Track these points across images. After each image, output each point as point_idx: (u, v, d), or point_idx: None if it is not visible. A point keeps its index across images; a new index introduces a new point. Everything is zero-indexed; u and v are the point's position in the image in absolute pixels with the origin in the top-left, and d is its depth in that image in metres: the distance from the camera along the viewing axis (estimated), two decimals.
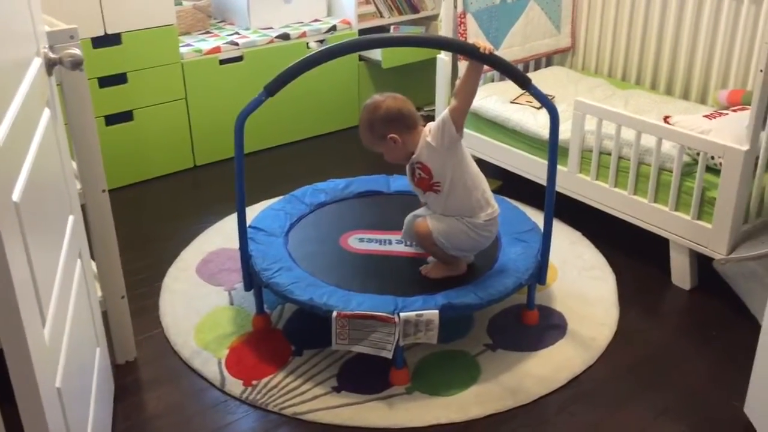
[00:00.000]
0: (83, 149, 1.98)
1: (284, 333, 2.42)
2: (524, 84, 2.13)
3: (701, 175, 2.46)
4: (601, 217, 2.86)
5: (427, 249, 2.32)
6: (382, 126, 2.19)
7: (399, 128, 2.19)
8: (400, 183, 2.85)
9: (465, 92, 2.13)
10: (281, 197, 2.78)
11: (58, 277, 1.52)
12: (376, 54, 3.93)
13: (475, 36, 3.22)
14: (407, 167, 2.28)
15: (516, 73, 2.17)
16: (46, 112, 1.62)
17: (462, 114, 2.14)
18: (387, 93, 2.25)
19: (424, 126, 2.24)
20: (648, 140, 2.61)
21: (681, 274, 2.65)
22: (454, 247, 2.26)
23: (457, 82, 3.28)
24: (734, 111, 2.67)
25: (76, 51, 1.68)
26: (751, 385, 1.97)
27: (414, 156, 2.21)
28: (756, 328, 2.00)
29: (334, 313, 2.08)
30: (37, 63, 1.57)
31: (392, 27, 4.14)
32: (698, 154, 2.48)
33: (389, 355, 2.11)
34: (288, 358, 2.31)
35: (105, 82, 3.24)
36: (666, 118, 2.67)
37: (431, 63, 3.48)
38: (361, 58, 4.02)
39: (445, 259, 2.30)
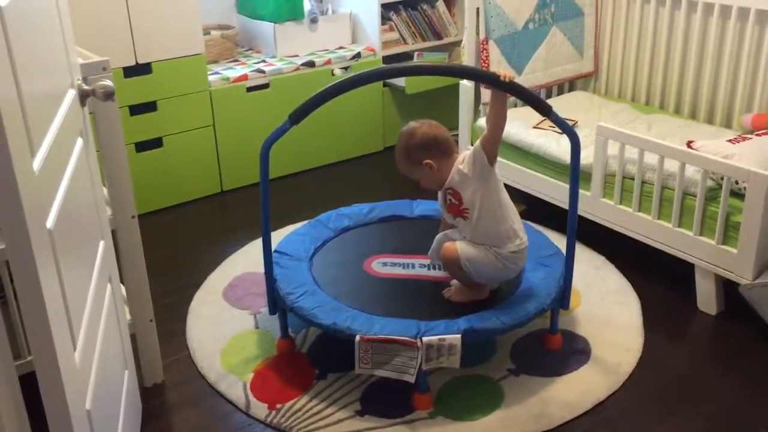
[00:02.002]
0: (114, 176, 2.04)
1: (308, 356, 2.44)
2: (545, 111, 2.15)
3: (725, 199, 2.45)
4: (625, 242, 2.85)
5: (452, 272, 2.33)
6: (418, 152, 2.23)
7: (434, 154, 2.22)
8: (423, 207, 2.87)
9: (492, 121, 2.15)
10: (306, 222, 2.82)
11: (89, 302, 1.56)
12: (399, 80, 3.98)
13: (498, 62, 3.25)
14: (439, 193, 2.31)
15: (537, 101, 2.19)
16: (79, 142, 1.68)
17: (492, 143, 2.15)
18: (422, 120, 2.29)
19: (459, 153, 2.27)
20: (671, 165, 2.61)
21: (707, 299, 2.63)
22: (479, 275, 2.27)
23: (481, 107, 3.33)
24: (759, 135, 2.67)
25: (108, 82, 1.74)
26: None
27: (447, 182, 2.24)
28: None
29: (357, 337, 2.10)
30: (71, 95, 1.63)
31: (416, 54, 4.19)
32: (722, 178, 2.47)
33: (412, 379, 2.12)
34: (312, 381, 2.33)
35: (135, 110, 3.33)
36: (689, 143, 2.67)
37: (454, 88, 3.51)
38: (385, 84, 4.07)
39: (469, 283, 2.32)
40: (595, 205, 2.89)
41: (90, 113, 1.91)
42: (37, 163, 1.24)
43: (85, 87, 1.73)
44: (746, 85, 3.09)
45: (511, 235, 2.24)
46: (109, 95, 1.73)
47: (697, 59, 3.25)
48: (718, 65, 3.19)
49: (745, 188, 2.40)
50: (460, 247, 2.26)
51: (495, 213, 2.22)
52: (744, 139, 2.62)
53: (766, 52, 2.99)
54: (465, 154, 2.23)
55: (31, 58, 1.30)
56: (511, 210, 2.26)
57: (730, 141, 2.61)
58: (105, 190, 2.08)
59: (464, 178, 2.20)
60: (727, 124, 3.20)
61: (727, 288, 2.60)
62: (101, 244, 1.83)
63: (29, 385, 1.39)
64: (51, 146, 1.34)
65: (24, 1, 1.28)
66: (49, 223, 1.28)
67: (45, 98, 1.39)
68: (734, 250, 2.46)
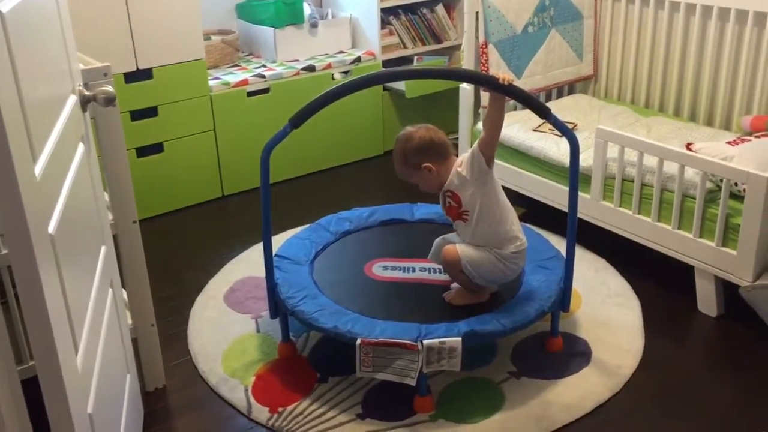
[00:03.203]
0: (115, 181, 2.04)
1: (309, 360, 2.45)
2: (544, 114, 2.16)
3: (725, 201, 2.46)
4: (626, 244, 2.86)
5: (453, 275, 2.34)
6: (415, 156, 2.23)
7: (432, 157, 2.23)
8: (423, 211, 2.88)
9: (490, 124, 2.16)
10: (307, 226, 2.82)
11: (90, 306, 1.57)
12: (399, 84, 3.99)
13: (497, 66, 3.26)
14: (440, 195, 2.32)
15: (535, 104, 2.20)
16: (81, 148, 1.69)
17: (489, 145, 2.17)
18: (419, 124, 2.30)
19: (457, 156, 2.28)
20: (671, 167, 2.62)
21: (707, 301, 2.63)
22: (480, 276, 2.27)
23: (480, 110, 3.34)
24: (758, 137, 2.67)
25: (109, 88, 1.75)
26: None
27: (445, 184, 2.25)
28: None
29: (358, 341, 2.11)
30: (72, 100, 1.64)
31: (416, 58, 4.20)
32: (721, 180, 2.48)
33: (413, 382, 2.12)
34: (313, 385, 2.33)
35: (137, 115, 3.34)
36: (689, 145, 2.68)
37: (454, 92, 3.53)
38: (385, 88, 4.08)
39: (470, 286, 2.32)
40: (594, 208, 2.89)
41: (91, 119, 1.92)
42: (38, 169, 1.25)
43: (87, 93, 1.74)
44: (745, 87, 3.10)
45: (511, 236, 2.25)
46: (110, 101, 1.74)
47: (696, 61, 3.26)
48: (717, 67, 3.20)
49: (744, 190, 2.40)
50: (461, 249, 2.27)
51: (494, 215, 2.23)
52: (743, 140, 2.63)
53: (764, 53, 3.00)
54: (463, 157, 2.23)
55: (33, 63, 1.31)
56: (510, 212, 2.27)
57: (729, 143, 2.62)
58: (106, 196, 2.09)
59: (463, 180, 2.21)
60: (727, 126, 3.20)
61: (728, 290, 2.60)
62: (103, 249, 1.84)
63: (31, 389, 1.39)
64: (53, 152, 1.35)
65: (26, 8, 1.29)
66: (51, 228, 1.29)
67: (46, 104, 1.39)
68: (734, 252, 2.46)
